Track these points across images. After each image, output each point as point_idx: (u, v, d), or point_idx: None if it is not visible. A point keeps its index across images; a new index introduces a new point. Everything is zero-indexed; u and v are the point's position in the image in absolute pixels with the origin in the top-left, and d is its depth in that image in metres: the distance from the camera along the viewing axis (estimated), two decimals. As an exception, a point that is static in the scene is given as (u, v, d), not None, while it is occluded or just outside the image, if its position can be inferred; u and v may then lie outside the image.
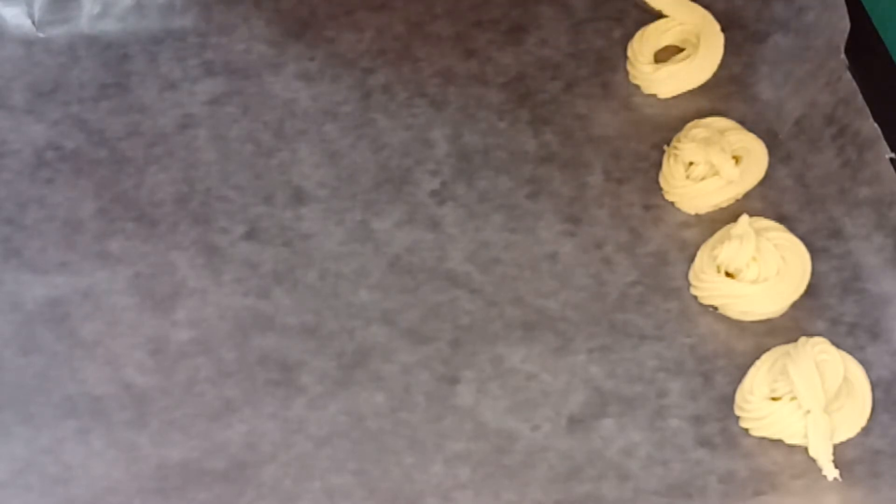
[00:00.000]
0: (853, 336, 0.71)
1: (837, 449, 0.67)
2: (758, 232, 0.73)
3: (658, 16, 0.85)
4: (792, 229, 0.74)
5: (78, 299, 0.74)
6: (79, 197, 0.79)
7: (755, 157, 0.78)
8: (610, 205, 0.78)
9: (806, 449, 0.67)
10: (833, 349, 0.68)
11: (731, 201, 0.77)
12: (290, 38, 0.87)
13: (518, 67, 0.85)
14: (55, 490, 0.67)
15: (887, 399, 0.68)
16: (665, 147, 0.79)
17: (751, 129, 0.79)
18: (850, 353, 0.69)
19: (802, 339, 0.68)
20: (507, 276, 0.75)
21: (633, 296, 0.74)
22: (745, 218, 0.73)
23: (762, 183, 0.78)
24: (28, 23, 0.87)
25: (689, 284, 0.74)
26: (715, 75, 0.83)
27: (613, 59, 0.85)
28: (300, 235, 0.77)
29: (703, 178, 0.77)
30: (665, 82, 0.82)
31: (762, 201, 0.77)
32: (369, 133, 0.82)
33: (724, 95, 0.82)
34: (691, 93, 0.83)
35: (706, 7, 0.85)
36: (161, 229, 0.77)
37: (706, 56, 0.83)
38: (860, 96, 0.77)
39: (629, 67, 0.84)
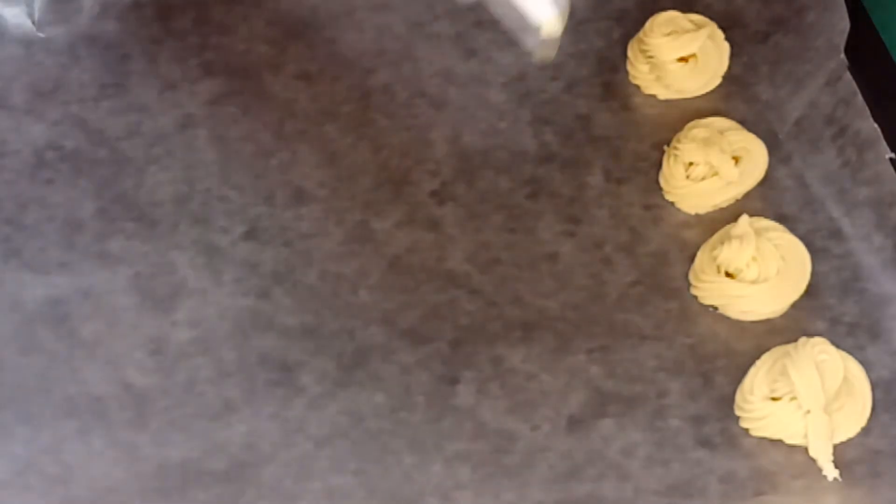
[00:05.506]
0: (853, 336, 0.71)
1: (837, 449, 0.67)
2: (758, 232, 0.73)
3: None
4: (792, 229, 0.74)
5: (78, 299, 0.74)
6: (79, 197, 0.79)
7: (755, 157, 0.78)
8: (610, 205, 0.78)
9: (806, 449, 0.67)
10: (833, 349, 0.68)
11: (731, 201, 0.77)
12: (290, 38, 0.87)
13: (518, 67, 0.85)
14: (55, 490, 0.67)
15: (887, 399, 0.68)
16: (665, 147, 0.79)
17: (751, 129, 0.79)
18: (850, 353, 0.69)
19: (802, 339, 0.68)
20: (507, 276, 0.75)
21: (633, 296, 0.74)
22: (745, 218, 0.73)
23: (762, 183, 0.78)
24: (28, 23, 0.87)
25: (689, 284, 0.74)
26: (715, 75, 0.83)
27: (613, 59, 0.84)
28: (300, 235, 0.77)
29: (703, 179, 0.77)
30: (667, 90, 0.82)
31: (762, 201, 0.77)
32: (369, 133, 0.82)
33: (724, 95, 0.82)
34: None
35: (706, 7, 0.85)
36: (161, 229, 0.77)
37: (708, 65, 0.82)
38: (860, 96, 0.77)
39: (629, 67, 0.84)
